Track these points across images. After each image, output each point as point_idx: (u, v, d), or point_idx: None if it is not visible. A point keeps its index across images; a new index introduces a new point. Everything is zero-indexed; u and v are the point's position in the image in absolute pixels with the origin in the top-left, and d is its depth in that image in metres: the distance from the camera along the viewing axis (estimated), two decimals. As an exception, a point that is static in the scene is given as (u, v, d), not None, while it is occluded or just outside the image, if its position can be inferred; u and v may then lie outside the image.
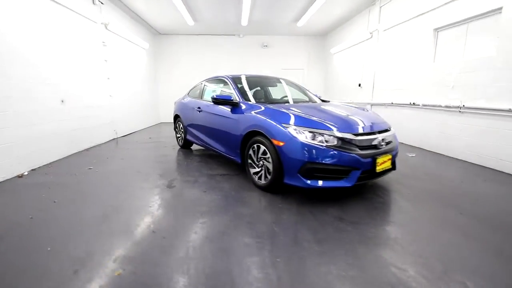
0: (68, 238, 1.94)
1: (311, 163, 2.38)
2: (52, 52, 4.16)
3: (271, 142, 2.62)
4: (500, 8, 3.54)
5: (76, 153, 4.71)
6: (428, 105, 4.87)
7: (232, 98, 3.32)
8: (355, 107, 3.38)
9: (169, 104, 9.92)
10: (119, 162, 4.13)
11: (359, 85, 7.60)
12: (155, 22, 7.99)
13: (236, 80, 3.70)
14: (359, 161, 2.42)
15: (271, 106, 3.07)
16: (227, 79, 3.78)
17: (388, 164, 2.69)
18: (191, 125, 4.50)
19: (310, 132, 2.46)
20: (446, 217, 2.31)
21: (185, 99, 4.92)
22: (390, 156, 2.69)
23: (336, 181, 2.44)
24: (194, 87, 4.89)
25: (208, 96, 4.17)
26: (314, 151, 2.38)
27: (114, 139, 6.19)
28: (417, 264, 1.66)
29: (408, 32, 5.46)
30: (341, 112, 2.96)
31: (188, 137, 4.72)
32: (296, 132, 2.47)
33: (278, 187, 2.72)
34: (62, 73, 4.37)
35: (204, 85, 4.43)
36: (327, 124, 2.52)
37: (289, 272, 1.57)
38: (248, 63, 9.94)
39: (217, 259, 1.69)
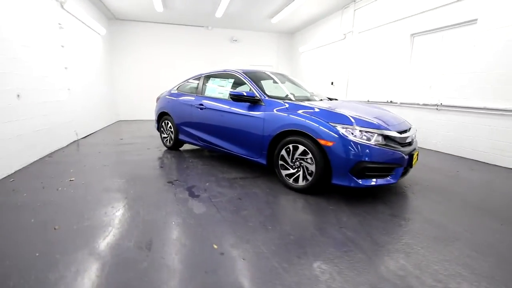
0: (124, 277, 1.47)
1: (363, 162, 2.34)
2: (2, 31, 3.18)
3: (316, 142, 2.50)
4: (476, 20, 4.09)
5: (38, 160, 3.75)
6: (406, 103, 5.38)
7: (254, 95, 3.06)
8: (373, 106, 3.46)
9: (129, 99, 8.86)
10: (104, 170, 3.43)
11: (332, 83, 7.99)
12: (114, 3, 6.90)
13: (250, 75, 3.42)
14: (403, 158, 2.49)
15: (298, 103, 2.93)
16: (239, 74, 3.46)
17: (417, 159, 2.84)
18: (188, 124, 4.02)
19: (359, 131, 2.41)
20: (473, 206, 2.55)
21: (174, 95, 4.38)
22: (418, 152, 2.85)
23: (383, 179, 2.46)
24: (187, 81, 4.39)
25: (212, 92, 3.77)
26: (366, 150, 2.34)
27: (75, 141, 5.16)
28: (492, 254, 1.77)
29: (384, 36, 5.92)
30: (371, 111, 2.98)
31: (182, 137, 4.22)
32: (346, 131, 2.40)
33: (319, 188, 2.62)
34: (15, 60, 3.39)
35: (205, 79, 3.99)
36: (371, 122, 2.51)
37: (417, 278, 1.49)
38: (216, 57, 9.48)
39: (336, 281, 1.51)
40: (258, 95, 3.07)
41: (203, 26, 9.10)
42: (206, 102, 3.68)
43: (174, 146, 4.49)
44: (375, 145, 2.38)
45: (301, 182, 2.69)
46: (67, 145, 4.77)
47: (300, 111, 2.71)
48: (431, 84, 4.89)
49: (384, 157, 2.39)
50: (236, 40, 9.53)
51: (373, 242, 1.88)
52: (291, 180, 2.78)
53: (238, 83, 3.52)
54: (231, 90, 3.20)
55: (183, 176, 3.23)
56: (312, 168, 2.56)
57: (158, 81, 8.98)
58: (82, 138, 5.53)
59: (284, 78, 3.93)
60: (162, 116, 4.62)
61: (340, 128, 2.41)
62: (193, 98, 3.93)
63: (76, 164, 3.67)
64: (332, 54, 7.89)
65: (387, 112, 3.18)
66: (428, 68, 4.98)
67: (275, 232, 1.98)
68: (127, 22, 8.46)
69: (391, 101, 5.74)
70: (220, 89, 3.65)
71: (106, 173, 3.31)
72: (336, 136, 2.39)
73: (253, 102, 3.08)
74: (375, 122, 2.52)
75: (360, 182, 2.38)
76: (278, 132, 2.77)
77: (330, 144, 2.41)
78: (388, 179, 2.47)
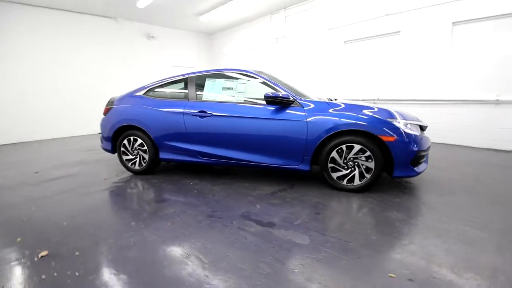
0: None
1: (419, 152, 2.55)
2: None
3: (378, 139, 2.51)
4: (399, 31, 5.22)
5: None
6: (346, 99, 6.24)
7: (288, 97, 2.74)
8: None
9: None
10: (82, 225, 2.19)
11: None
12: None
13: (265, 75, 3.05)
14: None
15: (328, 101, 2.88)
16: (254, 74, 3.02)
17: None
18: (177, 137, 3.14)
19: (409, 124, 2.60)
20: (479, 173, 3.27)
21: (143, 102, 3.32)
22: None
23: (423, 165, 2.77)
24: (158, 84, 3.40)
25: (214, 96, 3.08)
26: (418, 140, 2.56)
27: None
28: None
29: (319, 41, 6.62)
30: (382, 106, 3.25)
31: (165, 155, 3.27)
32: (402, 125, 2.53)
33: (374, 184, 2.66)
34: None
35: (195, 81, 3.21)
36: (410, 115, 2.77)
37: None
38: (129, 54, 7.89)
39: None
40: (291, 97, 2.78)
41: (110, 18, 7.33)
42: (211, 108, 2.99)
43: (149, 169, 3.41)
44: (420, 135, 2.64)
45: (357, 182, 2.64)
46: None
47: (331, 110, 2.67)
48: (369, 82, 5.90)
49: (427, 145, 2.70)
50: (153, 37, 8.23)
51: (487, 222, 2.07)
52: (344, 182, 2.68)
53: (251, 84, 3.06)
54: (267, 92, 2.74)
55: (214, 204, 2.51)
56: (370, 165, 2.56)
57: (45, 86, 6.59)
58: (-47, 182, 3.32)
59: (274, 77, 3.71)
60: (122, 132, 3.41)
61: (396, 123, 2.52)
62: (184, 105, 3.11)
63: (10, 224, 2.17)
64: (264, 56, 8.14)
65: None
66: (363, 69, 5.96)
67: (409, 235, 1.85)
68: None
69: (330, 99, 6.50)
70: (229, 92, 3.05)
71: (95, 229, 2.12)
72: (397, 131, 2.49)
73: (287, 104, 2.76)
74: (410, 115, 2.80)
75: (418, 170, 2.58)
76: (329, 134, 2.60)
77: (392, 139, 2.47)
78: (424, 164, 2.81)
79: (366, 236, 1.89)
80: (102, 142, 3.70)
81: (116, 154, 3.58)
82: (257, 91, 3.01)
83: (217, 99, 3.07)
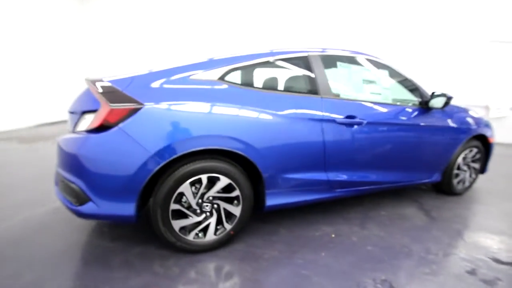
0: None
1: (489, 148, 2.98)
2: None
3: (486, 141, 2.66)
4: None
5: None
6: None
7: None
8: None
9: None
10: None
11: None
12: None
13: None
14: None
15: None
16: (390, 65, 2.19)
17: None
18: (307, 161, 1.77)
19: None
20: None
21: (231, 97, 1.57)
22: None
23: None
24: (258, 63, 1.73)
25: (355, 92, 1.97)
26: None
27: None
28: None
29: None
30: None
31: (278, 199, 1.75)
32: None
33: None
34: None
35: (327, 66, 1.87)
36: None
37: None
38: None
39: None
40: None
41: None
42: (358, 111, 1.88)
43: (236, 234, 1.68)
44: None
45: (466, 183, 2.70)
46: None
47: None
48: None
49: None
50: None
51: None
52: (460, 186, 2.66)
53: (380, 77, 2.24)
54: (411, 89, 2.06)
55: (434, 258, 1.66)
56: (476, 166, 2.69)
57: None
58: None
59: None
60: (182, 166, 1.42)
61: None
62: (319, 105, 1.76)
63: None
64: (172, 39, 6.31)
65: None
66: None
67: None
68: None
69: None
70: (371, 87, 2.03)
71: None
72: (492, 132, 2.77)
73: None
74: None
75: (485, 165, 3.01)
76: (468, 138, 2.45)
77: (493, 140, 2.73)
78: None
79: None
80: (81, 202, 1.37)
81: (134, 220, 1.46)
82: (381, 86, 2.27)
83: (360, 98, 1.99)
